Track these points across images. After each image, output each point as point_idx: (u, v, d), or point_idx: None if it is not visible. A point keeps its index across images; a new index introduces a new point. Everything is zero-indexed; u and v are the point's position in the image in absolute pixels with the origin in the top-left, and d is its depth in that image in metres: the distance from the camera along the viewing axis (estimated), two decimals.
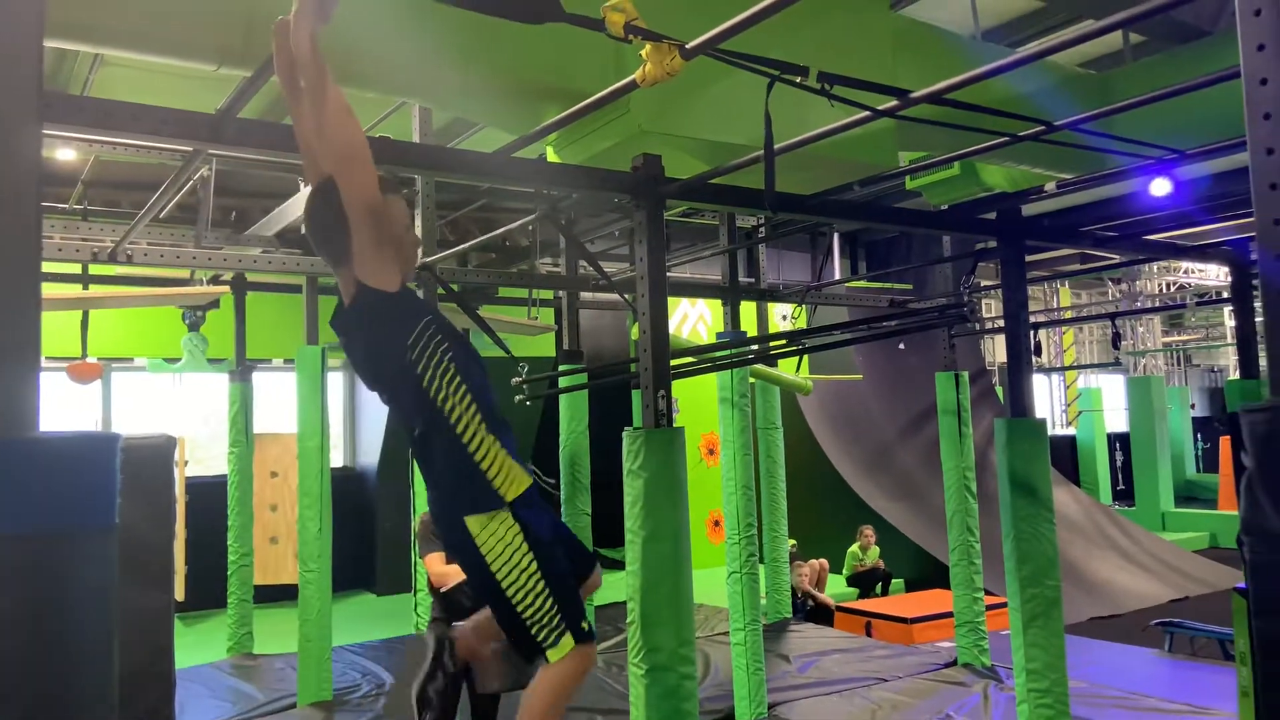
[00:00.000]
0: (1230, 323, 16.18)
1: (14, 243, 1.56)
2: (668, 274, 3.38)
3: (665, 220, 3.42)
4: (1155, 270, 15.86)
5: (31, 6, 1.63)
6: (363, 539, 10.25)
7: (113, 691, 1.52)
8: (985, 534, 6.57)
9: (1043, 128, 3.07)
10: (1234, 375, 16.55)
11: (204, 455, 10.37)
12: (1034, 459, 4.32)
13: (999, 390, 13.93)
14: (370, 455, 10.67)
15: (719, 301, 6.82)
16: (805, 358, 5.52)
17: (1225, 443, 15.54)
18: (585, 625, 2.44)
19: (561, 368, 6.88)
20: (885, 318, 6.53)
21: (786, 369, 6.94)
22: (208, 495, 8.63)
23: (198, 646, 7.44)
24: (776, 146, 2.62)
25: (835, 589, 9.31)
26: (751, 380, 6.54)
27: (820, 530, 10.26)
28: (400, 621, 7.84)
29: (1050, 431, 6.47)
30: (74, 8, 2.62)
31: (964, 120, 2.86)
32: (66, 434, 1.54)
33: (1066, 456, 16.38)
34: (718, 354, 5.67)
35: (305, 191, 2.79)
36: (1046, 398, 19.12)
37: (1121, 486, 17.09)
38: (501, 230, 5.65)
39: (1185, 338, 20.50)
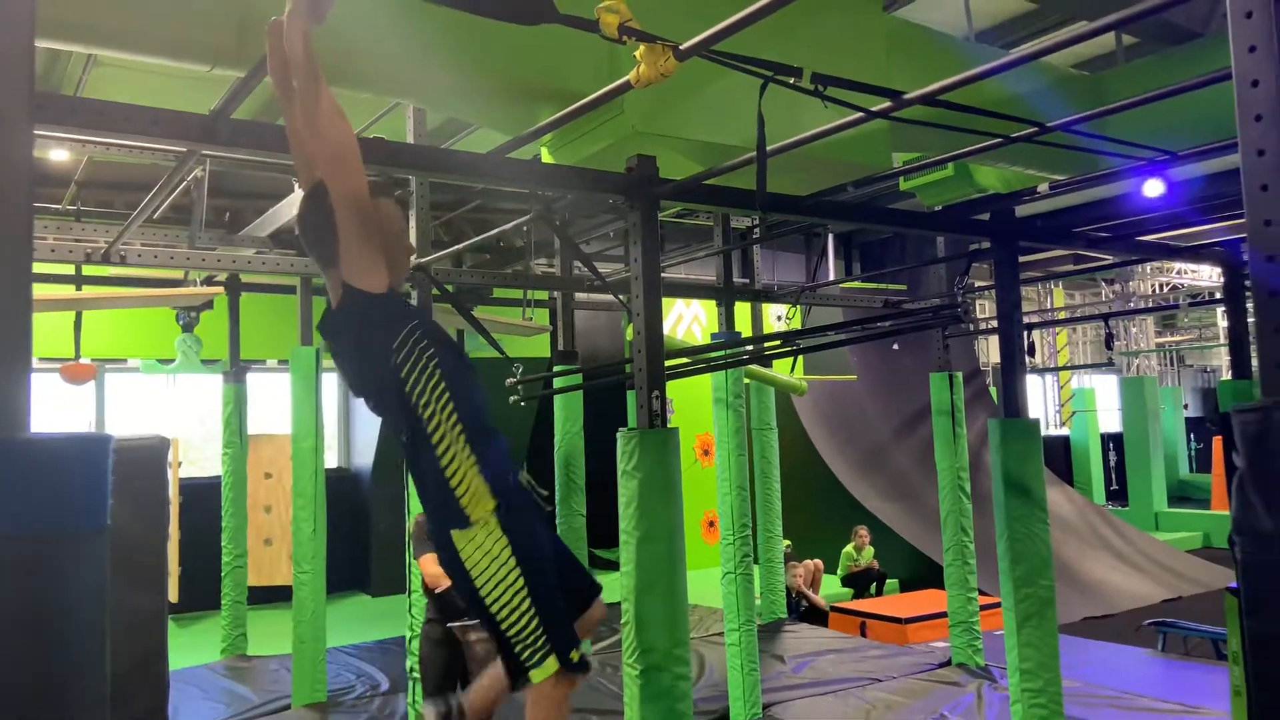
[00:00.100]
0: (1223, 323, 16.25)
1: (5, 243, 1.56)
2: (662, 275, 3.38)
3: (660, 221, 3.42)
4: (1148, 271, 15.90)
5: (22, 6, 1.63)
6: (357, 540, 10.24)
7: (105, 693, 1.51)
8: (979, 534, 6.58)
9: (1036, 129, 3.08)
10: (1227, 376, 16.61)
11: (198, 456, 10.35)
12: (1028, 459, 4.33)
13: (993, 391, 13.95)
14: (365, 456, 10.65)
15: (714, 302, 6.83)
16: (800, 358, 5.52)
17: (1218, 443, 15.58)
18: (575, 655, 2.33)
19: (556, 368, 6.88)
20: (879, 318, 6.54)
21: (781, 369, 6.95)
22: (202, 496, 8.61)
23: (192, 648, 7.42)
24: (771, 148, 2.63)
25: (830, 589, 9.32)
26: (746, 381, 6.55)
27: (815, 531, 10.27)
28: (395, 623, 7.82)
29: (1044, 432, 6.49)
30: (67, 8, 2.61)
31: (958, 121, 2.87)
32: (58, 435, 1.53)
33: (1060, 457, 16.43)
34: (712, 355, 5.67)
35: (299, 193, 2.76)
36: (1040, 398, 19.16)
37: (1115, 486, 17.14)
38: (496, 231, 5.64)
39: (1178, 338, 20.56)
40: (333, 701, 5.95)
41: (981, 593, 6.58)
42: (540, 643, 2.27)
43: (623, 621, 3.21)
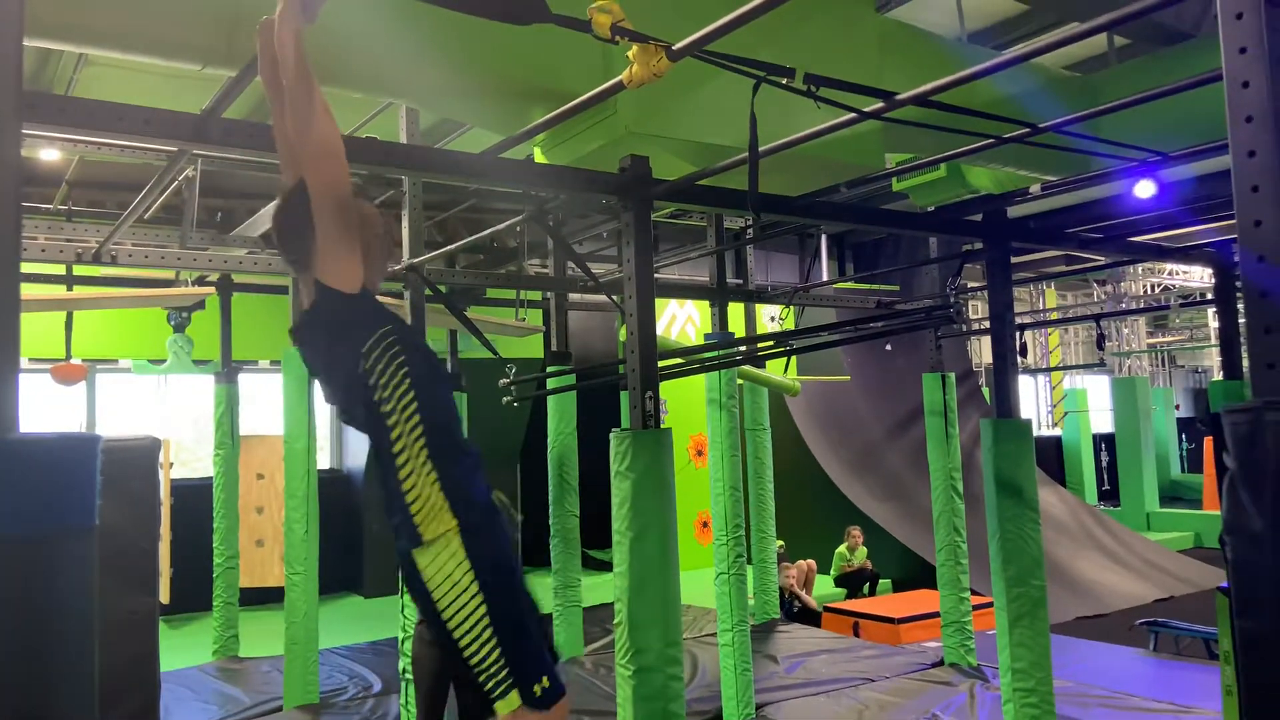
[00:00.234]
0: (1214, 324, 16.29)
1: None
2: (655, 275, 3.38)
3: (653, 221, 3.42)
4: (1140, 272, 15.96)
5: (10, 6, 1.62)
6: (349, 541, 10.22)
7: (94, 693, 1.51)
8: (972, 534, 6.60)
9: (1028, 130, 3.09)
10: (1218, 376, 16.67)
11: (190, 457, 10.32)
12: (1020, 460, 4.34)
13: (985, 391, 13.99)
14: (357, 457, 10.63)
15: (707, 303, 6.83)
16: (793, 359, 5.53)
17: (1209, 443, 15.64)
18: (538, 689, 2.18)
19: (550, 369, 6.88)
20: (872, 319, 6.55)
21: (774, 370, 6.95)
22: (193, 497, 8.59)
23: (183, 649, 7.39)
24: (763, 148, 2.63)
25: (823, 589, 9.33)
26: (739, 381, 6.55)
27: (808, 531, 10.28)
28: (387, 624, 7.80)
29: (1036, 432, 6.51)
30: (58, 7, 2.60)
31: (950, 122, 2.87)
32: (46, 435, 1.53)
33: (1052, 457, 16.47)
34: (706, 355, 5.68)
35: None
36: (1032, 399, 19.22)
37: (1107, 487, 17.20)
38: (489, 231, 5.62)
39: (1170, 339, 20.64)
40: (325, 703, 5.93)
41: (974, 592, 6.60)
42: (502, 674, 2.15)
43: (616, 622, 3.21)
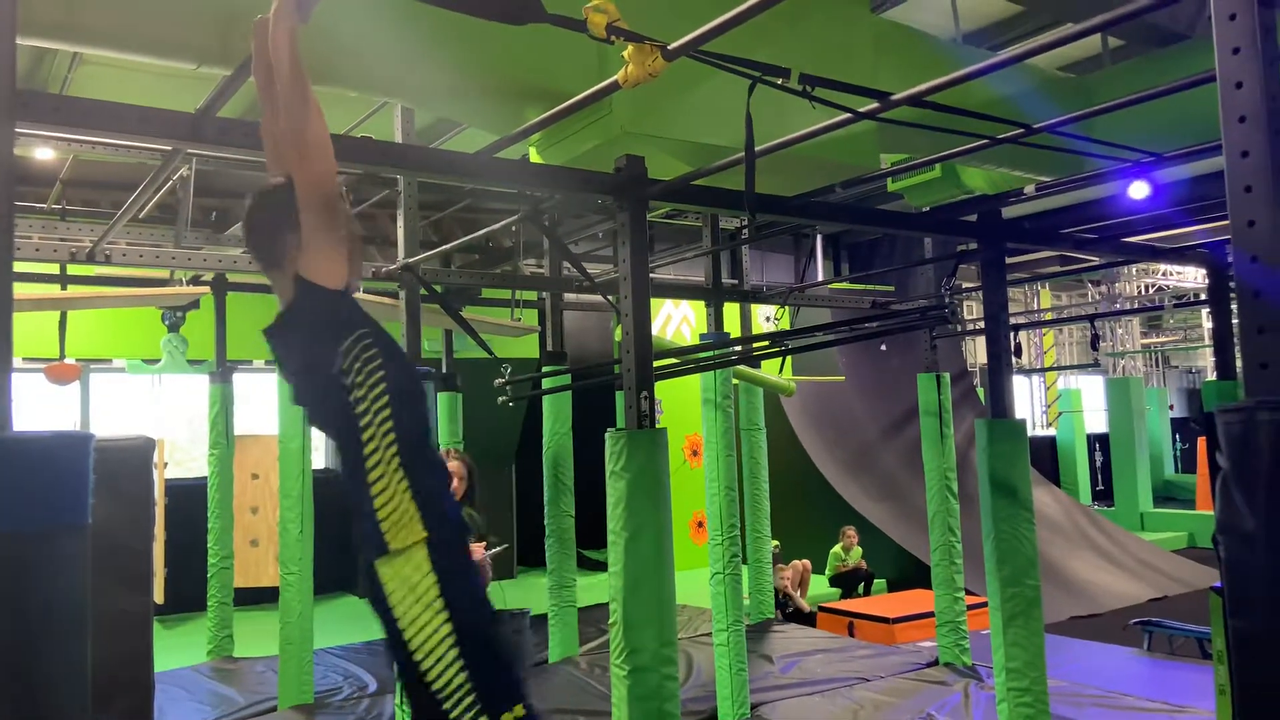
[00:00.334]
0: (1207, 324, 16.36)
1: None
2: (651, 275, 3.38)
3: (648, 221, 3.42)
4: (1134, 273, 16.00)
5: (5, 5, 1.62)
6: (344, 541, 10.05)
7: (87, 694, 1.50)
8: (966, 534, 6.61)
9: (1023, 130, 3.10)
10: (1211, 376, 16.73)
11: (184, 457, 10.30)
12: (1014, 460, 4.35)
13: (980, 391, 14.01)
14: None
15: (702, 303, 6.83)
16: (788, 359, 5.53)
17: (1203, 443, 15.67)
18: (510, 717, 2.05)
19: (545, 369, 6.87)
20: (867, 319, 6.56)
21: (769, 370, 6.95)
22: (188, 497, 8.56)
23: (177, 649, 7.38)
24: (759, 148, 2.63)
25: (818, 589, 9.34)
26: (735, 381, 6.55)
27: (803, 531, 10.29)
28: None
29: (1030, 432, 6.52)
30: (52, 6, 2.59)
31: (945, 123, 2.88)
32: (37, 433, 1.52)
33: (1046, 457, 16.50)
34: (701, 355, 5.68)
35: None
36: (1027, 399, 19.25)
37: (1101, 487, 17.23)
38: (485, 231, 5.63)
39: (1163, 339, 20.70)
40: (320, 703, 5.92)
41: (968, 592, 6.61)
42: (468, 699, 2.00)
43: (611, 622, 3.20)
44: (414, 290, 5.23)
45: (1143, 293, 16.56)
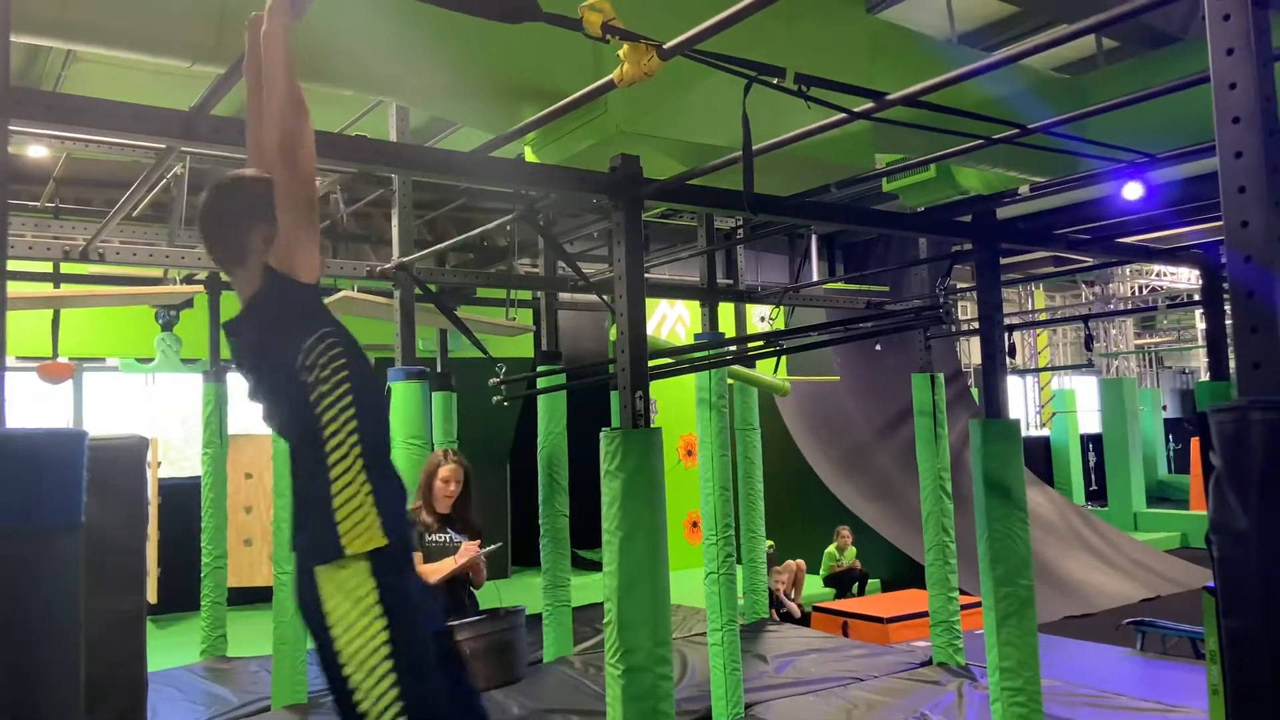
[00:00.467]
0: (1201, 325, 16.41)
1: None
2: (646, 275, 3.38)
3: (643, 221, 3.42)
4: (1128, 273, 16.05)
5: None
6: None
7: (79, 694, 1.50)
8: (960, 534, 6.61)
9: (1017, 130, 3.10)
10: (1204, 377, 16.78)
11: (178, 457, 10.27)
12: (1008, 460, 4.36)
13: (974, 391, 14.04)
14: None
15: (697, 302, 6.84)
16: (783, 359, 5.54)
17: (1196, 444, 15.73)
18: None
19: (540, 369, 6.87)
20: (862, 319, 6.57)
21: (764, 370, 6.96)
22: (181, 497, 8.54)
23: (171, 649, 7.36)
24: (755, 148, 2.63)
25: (812, 589, 9.34)
26: (730, 381, 6.56)
27: (797, 531, 10.30)
28: None
29: (1024, 433, 6.53)
30: (47, 3, 2.58)
31: (940, 123, 2.88)
32: (31, 430, 1.52)
33: (1040, 457, 16.53)
34: (696, 355, 5.68)
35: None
36: (1021, 399, 19.29)
37: (1094, 487, 17.28)
38: (479, 230, 5.62)
39: (1157, 340, 20.75)
40: (313, 703, 5.91)
41: (962, 592, 6.62)
42: (393, 716, 1.92)
43: (605, 621, 3.20)
44: (409, 289, 5.22)
45: (1136, 293, 16.60)
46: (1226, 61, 1.62)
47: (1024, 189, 4.90)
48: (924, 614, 6.78)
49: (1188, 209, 5.45)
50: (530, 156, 3.68)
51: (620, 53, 2.16)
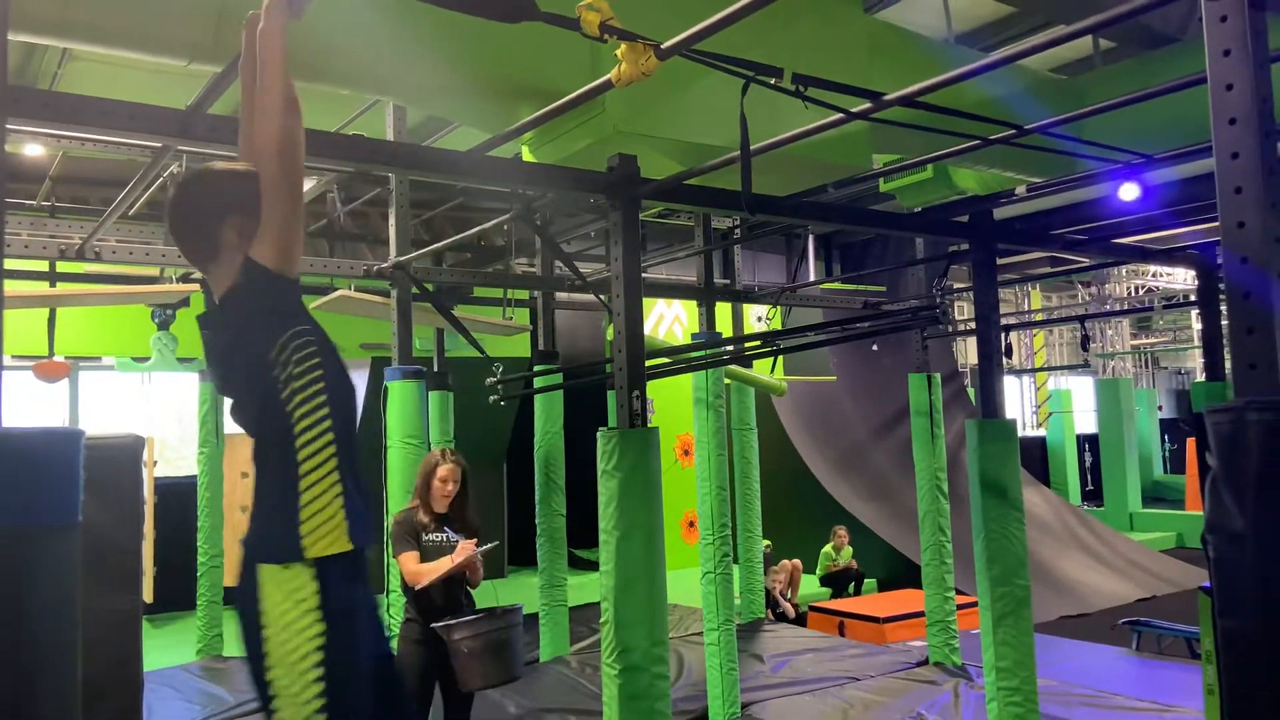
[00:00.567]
0: (1197, 325, 16.42)
1: None
2: (643, 274, 3.38)
3: (640, 220, 3.42)
4: (1124, 274, 16.07)
5: None
6: None
7: (76, 693, 1.50)
8: (957, 534, 6.62)
9: (1014, 131, 3.10)
10: (1200, 378, 16.81)
11: (174, 456, 10.25)
12: (1004, 460, 4.37)
13: (971, 392, 14.05)
14: None
15: (694, 302, 6.84)
16: (780, 359, 5.54)
17: (1192, 444, 15.77)
18: None
19: (537, 368, 6.87)
20: (859, 319, 6.57)
21: (761, 370, 6.96)
22: (177, 496, 8.53)
23: (167, 649, 7.35)
24: (752, 148, 2.63)
25: (808, 589, 9.35)
26: (726, 381, 6.56)
27: (794, 530, 10.31)
28: None
29: (1021, 433, 6.55)
30: (47, 3, 2.58)
31: (937, 123, 2.88)
32: (28, 429, 1.51)
33: (1037, 457, 16.56)
34: (693, 355, 5.69)
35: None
36: (1017, 399, 19.31)
37: (1090, 487, 17.31)
38: (476, 230, 5.61)
39: (1153, 340, 20.79)
40: None
41: (959, 592, 6.62)
42: None
43: (602, 621, 3.21)
44: (405, 289, 5.22)
45: (1132, 294, 16.63)
46: (1223, 63, 1.62)
47: (1021, 189, 4.91)
48: (920, 614, 6.79)
49: (1184, 210, 5.47)
50: (528, 156, 3.68)
51: (618, 52, 2.16)
